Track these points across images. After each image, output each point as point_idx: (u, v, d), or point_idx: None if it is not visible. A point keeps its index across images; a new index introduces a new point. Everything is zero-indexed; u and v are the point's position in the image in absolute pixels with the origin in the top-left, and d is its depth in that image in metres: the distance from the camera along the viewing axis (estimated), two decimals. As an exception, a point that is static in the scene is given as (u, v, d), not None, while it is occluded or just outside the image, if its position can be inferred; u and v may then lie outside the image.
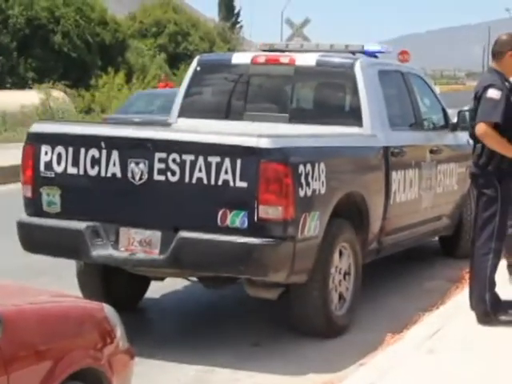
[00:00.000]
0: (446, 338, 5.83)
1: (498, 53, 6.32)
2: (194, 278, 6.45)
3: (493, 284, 6.24)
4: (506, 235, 6.35)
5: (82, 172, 6.01)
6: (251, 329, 6.48)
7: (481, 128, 6.13)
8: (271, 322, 6.60)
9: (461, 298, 6.77)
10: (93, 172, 5.97)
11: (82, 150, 6.00)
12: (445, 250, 9.13)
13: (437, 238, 9.10)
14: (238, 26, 54.97)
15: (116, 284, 6.67)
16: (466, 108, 8.02)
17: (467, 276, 6.93)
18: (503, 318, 6.19)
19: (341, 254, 6.36)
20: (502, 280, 6.79)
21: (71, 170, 6.04)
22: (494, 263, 6.23)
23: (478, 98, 6.22)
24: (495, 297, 6.25)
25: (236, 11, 55.73)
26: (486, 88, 6.18)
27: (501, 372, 5.16)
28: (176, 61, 39.03)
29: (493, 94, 6.11)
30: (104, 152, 5.93)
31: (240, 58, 7.70)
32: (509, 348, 5.65)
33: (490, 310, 6.17)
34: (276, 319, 6.58)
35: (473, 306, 6.33)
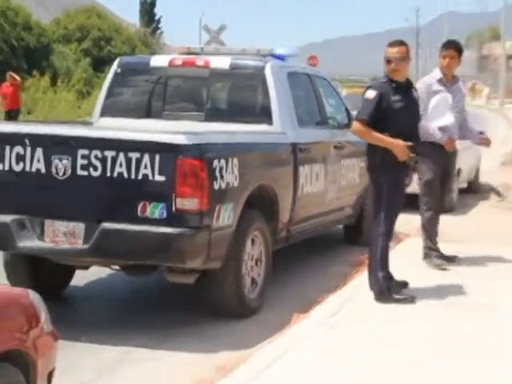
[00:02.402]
0: (346, 316, 5.97)
1: None
2: (117, 267, 6.45)
3: (385, 265, 6.43)
4: (394, 221, 6.53)
5: (7, 168, 5.94)
6: (170, 311, 6.51)
7: (354, 125, 6.47)
8: (188, 306, 6.64)
9: (361, 280, 6.91)
10: (18, 168, 5.91)
11: (7, 147, 5.93)
12: (347, 238, 9.30)
13: (340, 227, 9.27)
14: (158, 31, 54.57)
15: (42, 273, 6.60)
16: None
17: (367, 261, 7.12)
18: (397, 296, 6.38)
19: (253, 242, 6.44)
20: (409, 262, 6.97)
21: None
22: (384, 246, 6.44)
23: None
24: (388, 277, 6.45)
25: (157, 18, 55.34)
26: (366, 89, 6.47)
27: (393, 345, 5.32)
28: (100, 64, 38.50)
29: (368, 94, 6.35)
30: (29, 149, 5.88)
31: (158, 61, 7.70)
32: (401, 323, 5.82)
33: (384, 288, 6.36)
34: (193, 302, 6.63)
35: (371, 286, 6.52)
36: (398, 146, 6.28)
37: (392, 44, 6.52)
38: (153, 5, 54.69)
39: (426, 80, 7.74)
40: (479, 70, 77.41)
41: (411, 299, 6.36)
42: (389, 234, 6.50)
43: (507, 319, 5.96)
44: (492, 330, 5.68)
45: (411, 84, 6.67)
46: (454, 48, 7.65)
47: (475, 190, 13.28)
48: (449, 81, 7.62)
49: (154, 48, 43.82)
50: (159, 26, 55.02)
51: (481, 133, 8.13)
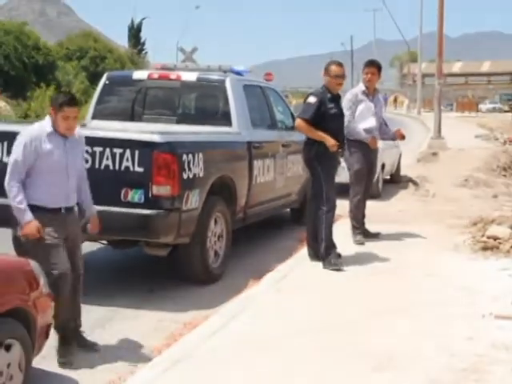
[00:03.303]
0: (291, 281, 5.99)
1: None
2: (105, 242, 6.39)
3: (328, 238, 6.44)
4: (334, 201, 6.53)
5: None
6: (147, 279, 6.47)
7: (297, 122, 6.56)
8: (163, 274, 6.60)
9: (304, 252, 6.89)
10: None
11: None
12: (294, 219, 9.27)
13: (288, 210, 9.25)
14: (143, 52, 54.08)
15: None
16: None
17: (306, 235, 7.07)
18: (333, 261, 6.39)
19: (216, 221, 6.40)
20: (341, 238, 6.96)
21: (4, 159, 5.86)
22: (328, 222, 6.45)
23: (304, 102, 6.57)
24: (331, 245, 6.46)
25: (142, 41, 54.88)
26: (308, 95, 6.54)
27: (327, 302, 5.36)
28: (96, 78, 37.85)
29: (310, 99, 6.45)
30: None
31: (139, 75, 7.63)
32: (333, 286, 5.84)
33: (324, 255, 6.39)
34: (167, 271, 6.58)
35: (311, 256, 6.53)
36: (330, 142, 6.35)
37: (339, 64, 6.64)
38: (139, 30, 54.13)
39: (354, 91, 7.76)
40: (401, 86, 78.21)
41: (341, 267, 6.39)
42: (331, 212, 6.51)
43: (413, 281, 6.00)
44: (402, 289, 5.74)
45: (340, 96, 6.77)
46: (374, 66, 7.67)
47: (396, 181, 13.38)
48: (371, 93, 7.66)
49: (140, 65, 43.34)
50: (144, 47, 54.51)
51: (398, 130, 8.19)
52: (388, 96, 57.81)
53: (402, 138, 8.09)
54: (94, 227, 4.83)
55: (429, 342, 4.43)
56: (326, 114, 6.40)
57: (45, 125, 4.46)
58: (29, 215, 4.33)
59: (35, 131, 4.42)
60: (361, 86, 7.70)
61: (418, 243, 7.63)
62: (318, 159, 6.42)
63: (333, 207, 6.50)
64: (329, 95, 6.49)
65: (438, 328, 4.70)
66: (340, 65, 6.60)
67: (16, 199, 4.33)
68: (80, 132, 4.70)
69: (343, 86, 6.70)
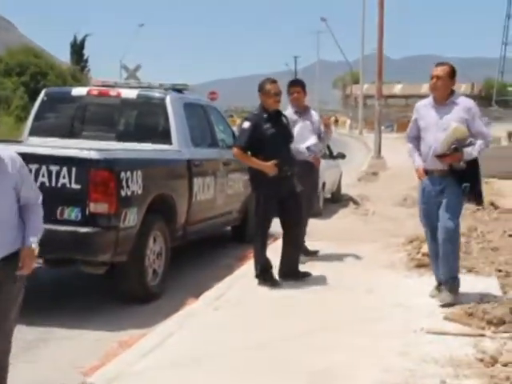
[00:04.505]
0: (228, 299, 5.98)
1: None
2: (40, 262, 6.25)
3: (262, 258, 6.48)
4: (267, 225, 6.56)
5: None
6: (84, 298, 6.38)
7: (233, 151, 6.56)
8: (101, 292, 6.51)
9: (243, 270, 6.95)
10: None
11: None
12: (235, 236, 9.31)
13: (229, 228, 9.27)
14: (86, 69, 53.56)
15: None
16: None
17: (250, 255, 7.11)
18: (267, 281, 6.44)
19: (154, 239, 6.36)
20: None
21: None
22: (261, 243, 6.49)
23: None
24: (265, 267, 6.50)
25: (85, 57, 54.36)
26: (243, 120, 6.59)
27: (263, 321, 5.37)
28: (36, 94, 37.18)
29: (244, 125, 6.46)
30: None
31: (78, 91, 7.61)
32: (268, 304, 5.86)
33: (259, 274, 6.43)
34: (104, 290, 6.50)
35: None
36: (266, 166, 6.34)
37: (273, 81, 6.59)
38: (82, 47, 53.65)
39: (287, 113, 7.70)
40: (343, 106, 79.59)
41: (277, 284, 6.45)
42: (263, 234, 6.53)
43: (350, 299, 6.06)
44: (338, 306, 5.79)
45: (281, 113, 6.75)
46: (298, 85, 7.62)
47: (337, 200, 13.57)
48: (302, 111, 7.60)
49: (83, 82, 42.86)
50: (87, 64, 53.99)
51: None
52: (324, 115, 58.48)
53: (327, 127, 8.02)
54: (23, 264, 3.53)
55: (363, 358, 4.49)
56: (262, 136, 6.37)
57: None
58: None
59: None
60: (290, 108, 7.57)
61: (356, 261, 7.75)
62: (259, 183, 6.43)
63: (263, 231, 6.50)
64: (265, 115, 6.47)
65: (372, 344, 4.77)
66: (274, 82, 6.56)
67: None
68: (9, 157, 3.51)
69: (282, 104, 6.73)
